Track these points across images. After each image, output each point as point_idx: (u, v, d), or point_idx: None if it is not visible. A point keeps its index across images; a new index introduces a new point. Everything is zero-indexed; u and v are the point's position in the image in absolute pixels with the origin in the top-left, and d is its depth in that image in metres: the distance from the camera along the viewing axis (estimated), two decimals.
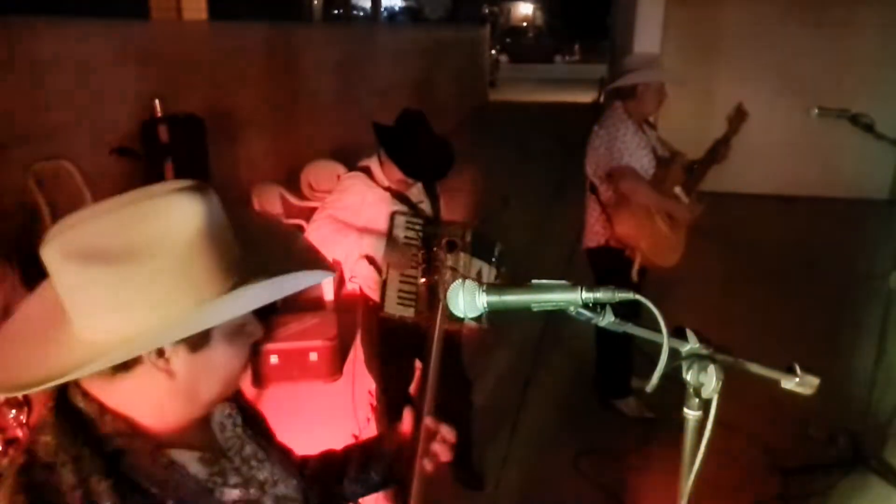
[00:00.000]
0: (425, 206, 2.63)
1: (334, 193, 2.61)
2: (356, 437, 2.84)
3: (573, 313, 0.87)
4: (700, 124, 4.33)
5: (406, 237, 2.48)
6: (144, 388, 0.80)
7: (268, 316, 3.77)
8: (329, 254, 2.49)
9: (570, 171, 5.76)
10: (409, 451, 1.04)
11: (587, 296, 0.83)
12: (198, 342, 0.80)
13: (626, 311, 0.89)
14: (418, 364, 2.67)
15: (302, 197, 4.91)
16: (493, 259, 2.53)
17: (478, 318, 2.33)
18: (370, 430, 3.00)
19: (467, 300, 0.86)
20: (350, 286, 2.77)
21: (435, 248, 2.44)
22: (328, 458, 1.19)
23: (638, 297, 0.83)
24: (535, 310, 0.86)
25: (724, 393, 0.88)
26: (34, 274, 0.81)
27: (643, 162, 3.09)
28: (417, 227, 2.50)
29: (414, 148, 2.47)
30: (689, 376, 0.90)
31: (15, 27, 3.27)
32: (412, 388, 2.62)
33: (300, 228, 3.22)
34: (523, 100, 17.42)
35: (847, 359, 3.72)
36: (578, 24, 33.44)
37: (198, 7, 4.99)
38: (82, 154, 3.36)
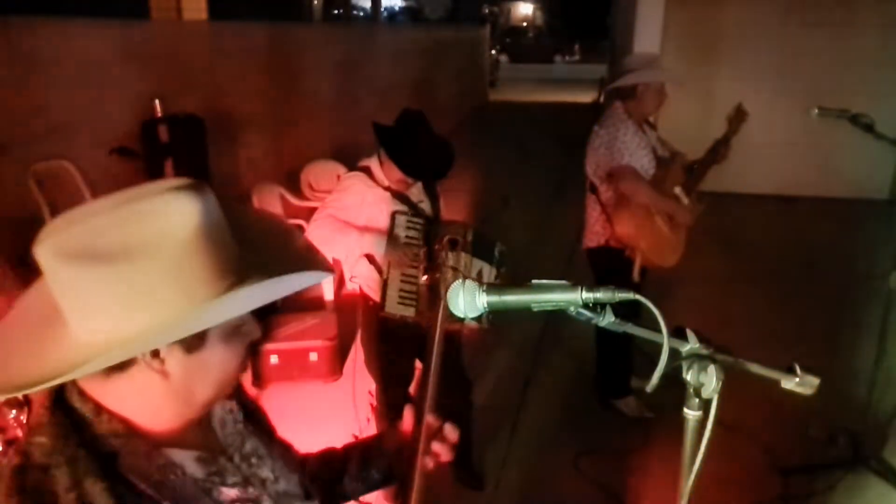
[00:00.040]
0: (425, 206, 2.63)
1: (334, 193, 2.61)
2: (356, 437, 2.83)
3: (573, 313, 0.87)
4: (700, 124, 4.33)
5: (407, 237, 2.48)
6: (139, 389, 0.79)
7: (267, 316, 3.77)
8: (329, 253, 2.49)
9: (570, 171, 5.77)
10: (409, 450, 1.04)
11: (587, 296, 0.82)
12: (193, 343, 0.79)
13: (626, 311, 0.89)
14: (418, 364, 2.67)
15: (302, 197, 4.91)
16: (494, 259, 2.53)
17: (478, 318, 2.35)
18: (370, 430, 3.00)
19: (467, 300, 0.86)
20: (350, 286, 2.77)
21: (437, 247, 2.45)
22: (329, 456, 1.19)
23: (638, 297, 0.83)
24: (535, 310, 0.86)
25: (724, 393, 0.88)
26: (34, 275, 0.80)
27: (643, 162, 3.09)
28: (418, 227, 2.50)
29: (414, 148, 2.47)
30: (689, 376, 0.90)
31: (15, 27, 3.27)
32: (412, 388, 2.62)
33: (300, 228, 3.22)
34: (523, 100, 17.42)
35: (847, 359, 3.72)
36: (578, 24, 33.44)
37: (198, 7, 4.99)
38: (82, 154, 3.36)
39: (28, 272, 0.80)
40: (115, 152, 3.59)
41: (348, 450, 1.20)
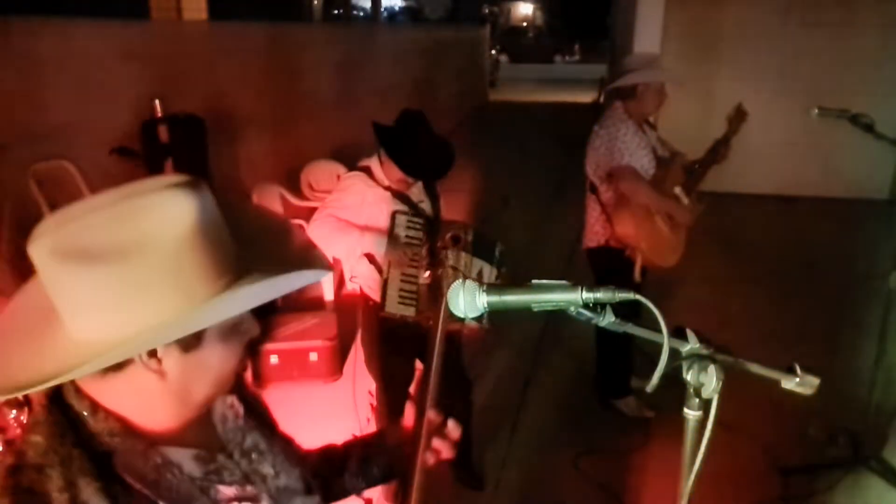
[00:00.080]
0: (426, 206, 2.63)
1: (334, 193, 2.61)
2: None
3: (573, 313, 0.87)
4: (700, 124, 4.33)
5: (407, 236, 2.48)
6: (136, 388, 0.78)
7: (266, 315, 3.78)
8: (330, 253, 2.49)
9: (570, 171, 5.77)
10: (410, 446, 1.03)
11: (587, 296, 0.82)
12: (191, 342, 0.78)
13: (626, 311, 0.88)
14: (419, 364, 2.67)
15: (302, 197, 4.91)
16: (494, 259, 2.53)
17: (479, 319, 2.35)
18: (370, 430, 3.00)
19: (468, 300, 0.86)
20: (350, 286, 2.77)
21: (439, 243, 2.45)
22: (329, 453, 1.19)
23: (638, 297, 0.83)
24: (535, 310, 0.86)
25: (724, 393, 0.88)
26: (33, 275, 0.80)
27: (643, 162, 3.09)
28: (419, 227, 2.50)
29: (414, 147, 2.47)
30: (689, 376, 0.90)
31: (15, 27, 3.27)
32: (412, 388, 2.62)
33: (300, 228, 3.22)
34: (523, 100, 17.42)
35: (847, 359, 3.72)
36: (578, 24, 33.42)
37: (198, 7, 4.99)
38: (82, 154, 3.36)
39: (28, 272, 0.79)
40: (115, 152, 3.59)
41: (349, 446, 1.19)
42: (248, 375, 3.52)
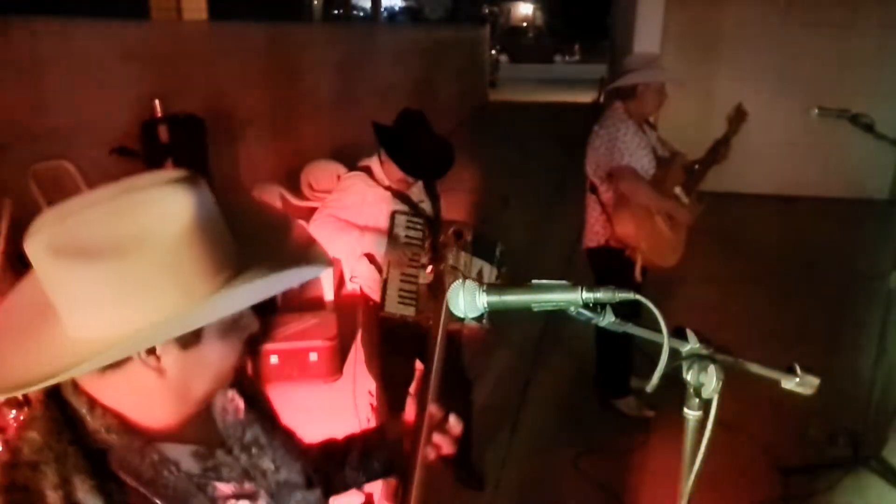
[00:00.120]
0: (426, 206, 2.63)
1: (335, 193, 2.61)
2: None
3: (573, 313, 0.87)
4: (700, 124, 4.34)
5: (407, 236, 2.48)
6: (134, 385, 0.77)
7: (266, 315, 3.78)
8: (330, 253, 2.48)
9: (570, 171, 5.77)
10: (410, 441, 1.03)
11: (587, 296, 0.82)
12: (189, 339, 0.77)
13: (626, 311, 0.88)
14: (419, 364, 2.67)
15: (302, 197, 4.91)
16: (495, 259, 2.53)
17: (479, 318, 2.35)
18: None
19: (468, 300, 0.86)
20: (350, 286, 2.77)
21: (441, 238, 2.45)
22: (330, 447, 1.18)
23: (638, 297, 0.83)
24: (535, 310, 0.86)
25: (724, 393, 0.88)
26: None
27: (643, 162, 3.09)
28: (418, 227, 2.50)
29: (414, 147, 2.47)
30: (689, 376, 0.90)
31: (15, 27, 3.27)
32: (412, 388, 2.62)
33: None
34: (523, 100, 17.43)
35: (847, 359, 3.72)
36: (578, 24, 33.44)
37: (198, 7, 4.99)
38: (82, 154, 3.36)
39: (28, 272, 0.79)
40: (115, 152, 3.59)
41: (350, 440, 1.19)
42: (249, 369, 3.52)
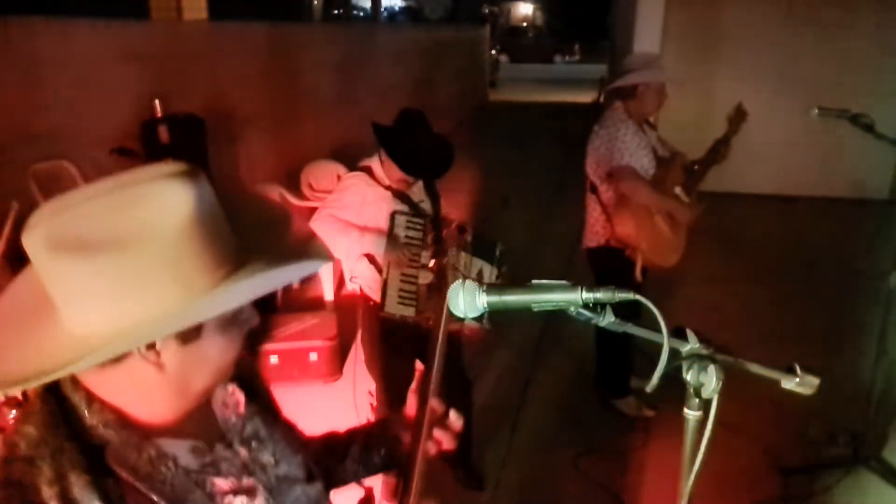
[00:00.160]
0: (426, 206, 2.64)
1: (335, 193, 2.61)
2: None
3: (573, 313, 0.87)
4: (700, 124, 4.33)
5: (407, 237, 2.48)
6: (133, 380, 0.77)
7: (267, 314, 3.78)
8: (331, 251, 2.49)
9: (570, 171, 5.77)
10: (412, 436, 1.02)
11: (587, 296, 0.82)
12: (189, 334, 0.76)
13: (626, 311, 0.88)
14: (419, 365, 2.67)
15: (302, 197, 4.92)
16: (495, 259, 2.53)
17: (479, 319, 2.35)
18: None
19: (468, 300, 0.86)
20: (350, 286, 2.77)
21: (444, 232, 2.45)
22: (331, 440, 1.18)
23: (638, 297, 0.83)
24: (535, 310, 0.86)
25: (724, 393, 0.88)
26: None
27: (643, 162, 3.09)
28: (419, 227, 2.50)
29: (413, 146, 2.47)
30: (689, 376, 0.90)
31: (15, 27, 3.27)
32: (413, 386, 2.62)
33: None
34: (523, 100, 17.42)
35: (847, 359, 3.72)
36: (578, 24, 33.43)
37: (198, 7, 4.99)
38: (82, 154, 3.36)
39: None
40: (115, 152, 3.59)
41: (351, 433, 1.19)
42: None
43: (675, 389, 0.92)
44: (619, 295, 0.83)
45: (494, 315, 1.03)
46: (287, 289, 4.77)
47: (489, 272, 2.50)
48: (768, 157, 7.09)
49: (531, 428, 3.36)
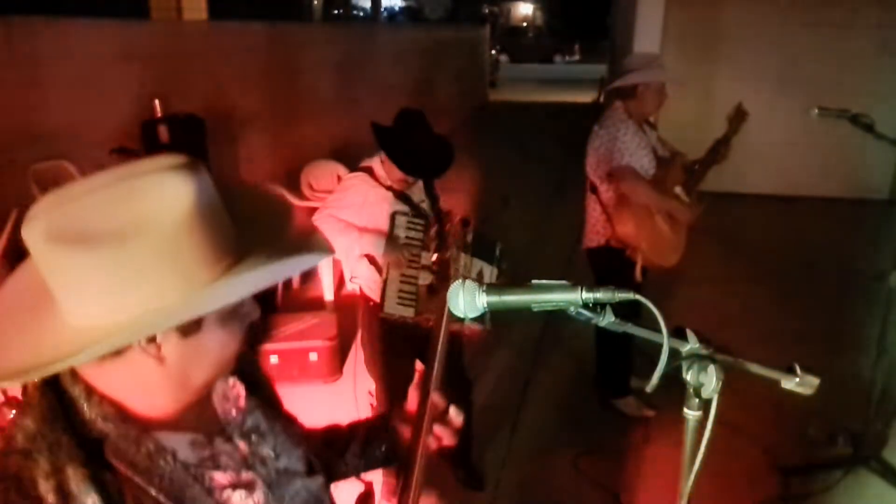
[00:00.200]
0: (427, 206, 2.64)
1: (336, 193, 2.61)
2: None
3: (573, 313, 0.87)
4: (700, 124, 4.33)
5: (407, 237, 2.48)
6: (133, 374, 0.76)
7: (267, 314, 3.77)
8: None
9: (570, 171, 5.77)
10: (413, 430, 1.03)
11: (587, 296, 0.82)
12: (190, 327, 0.76)
13: (626, 311, 0.88)
14: (419, 365, 2.67)
15: (302, 197, 4.91)
16: (495, 259, 2.53)
17: (480, 320, 2.35)
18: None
19: (467, 300, 0.86)
20: (350, 286, 2.77)
21: (447, 226, 2.44)
22: (333, 433, 1.18)
23: (638, 297, 0.83)
24: (535, 310, 0.86)
25: (724, 393, 0.88)
26: None
27: (643, 162, 3.08)
28: (419, 228, 2.50)
29: (412, 146, 2.47)
30: (689, 376, 0.90)
31: (15, 27, 3.28)
32: (414, 383, 2.62)
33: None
34: (523, 100, 17.42)
35: (847, 359, 3.72)
36: (578, 24, 33.44)
37: (198, 7, 5.00)
38: (82, 154, 3.36)
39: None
40: (115, 152, 3.60)
41: (353, 427, 1.18)
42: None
43: (675, 389, 0.92)
44: (619, 295, 0.83)
45: (494, 315, 1.02)
46: (287, 289, 4.77)
47: (489, 272, 2.50)
48: (768, 157, 7.09)
49: (531, 428, 3.36)
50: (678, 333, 0.92)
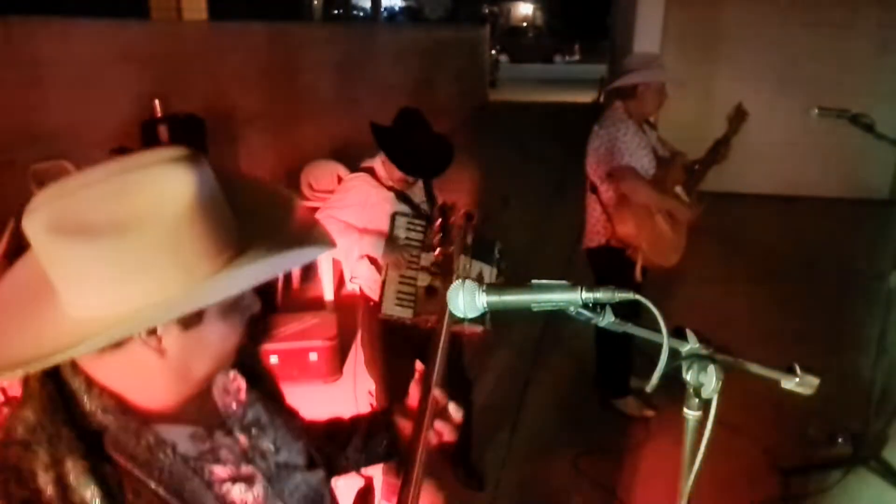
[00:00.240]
0: (427, 207, 2.64)
1: (337, 193, 2.61)
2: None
3: (573, 313, 0.87)
4: (700, 124, 4.33)
5: (407, 238, 2.48)
6: (134, 366, 0.76)
7: (267, 314, 3.77)
8: (329, 253, 2.49)
9: (570, 171, 5.77)
10: (414, 425, 1.03)
11: (587, 296, 0.82)
12: (191, 320, 0.76)
13: (626, 311, 0.88)
14: (419, 366, 2.67)
15: (302, 197, 4.91)
16: (493, 259, 2.52)
17: (480, 321, 2.34)
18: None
19: (467, 300, 0.86)
20: (350, 286, 2.77)
21: (451, 219, 2.44)
22: (335, 426, 1.18)
23: (638, 297, 0.83)
24: (535, 310, 0.86)
25: (724, 393, 0.88)
26: None
27: (643, 162, 3.08)
28: (419, 229, 2.50)
29: (412, 145, 2.47)
30: (689, 376, 0.90)
31: (15, 27, 3.28)
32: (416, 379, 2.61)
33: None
34: (523, 100, 17.42)
35: (847, 359, 3.72)
36: (578, 24, 33.44)
37: (198, 7, 5.00)
38: (82, 154, 3.36)
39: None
40: (115, 152, 3.59)
41: (354, 421, 1.18)
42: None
43: (675, 389, 0.92)
44: (619, 295, 0.83)
45: (494, 315, 1.02)
46: (287, 288, 4.77)
47: (489, 273, 2.49)
48: (768, 157, 7.09)
49: (531, 428, 3.36)
50: (678, 333, 0.92)
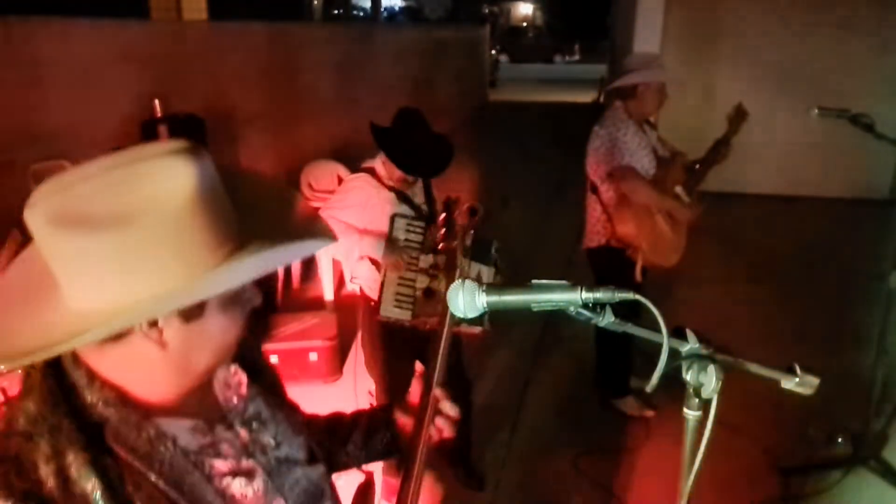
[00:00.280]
0: (427, 208, 2.64)
1: (338, 193, 2.62)
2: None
3: (573, 313, 0.87)
4: (700, 124, 4.33)
5: (406, 240, 2.48)
6: (135, 358, 0.76)
7: (267, 314, 3.77)
8: (328, 253, 2.49)
9: (570, 171, 5.76)
10: (414, 422, 1.04)
11: (587, 296, 0.82)
12: (192, 312, 0.76)
13: (626, 311, 0.88)
14: (419, 366, 2.67)
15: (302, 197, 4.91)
16: (491, 259, 2.52)
17: (480, 322, 2.34)
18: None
19: (467, 300, 0.86)
20: (350, 286, 2.77)
21: (455, 213, 2.44)
22: (336, 422, 1.18)
23: (637, 297, 0.83)
24: (534, 310, 0.86)
25: (724, 393, 0.88)
26: None
27: (643, 162, 3.09)
28: (419, 230, 2.50)
29: (411, 145, 2.47)
30: (689, 376, 0.90)
31: (15, 27, 3.28)
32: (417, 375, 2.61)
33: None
34: (523, 100, 17.41)
35: (847, 359, 3.72)
36: (578, 24, 33.43)
37: (198, 7, 5.00)
38: (82, 154, 3.36)
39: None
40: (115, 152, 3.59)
41: (355, 417, 1.19)
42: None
43: (675, 389, 0.92)
44: (619, 295, 0.83)
45: (494, 315, 1.03)
46: (287, 288, 4.77)
47: (487, 274, 2.49)
48: (768, 157, 7.09)
49: (531, 428, 3.36)
50: (678, 333, 0.92)
